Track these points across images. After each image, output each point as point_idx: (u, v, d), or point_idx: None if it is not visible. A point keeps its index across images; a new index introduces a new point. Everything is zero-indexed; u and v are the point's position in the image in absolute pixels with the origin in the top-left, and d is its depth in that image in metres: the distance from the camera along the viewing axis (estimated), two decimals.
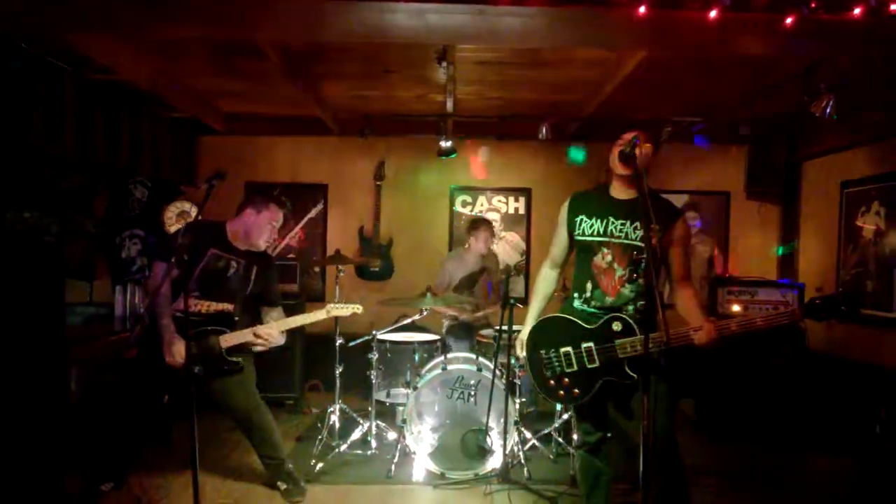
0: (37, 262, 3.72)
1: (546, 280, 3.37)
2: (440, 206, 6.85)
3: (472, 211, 6.80)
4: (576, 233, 3.10)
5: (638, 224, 2.96)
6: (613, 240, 3.00)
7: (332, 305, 4.06)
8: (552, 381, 3.08)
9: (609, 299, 3.01)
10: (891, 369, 4.91)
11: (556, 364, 3.06)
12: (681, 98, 5.45)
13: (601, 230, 3.03)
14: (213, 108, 6.13)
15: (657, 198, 3.01)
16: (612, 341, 2.94)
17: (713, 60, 4.34)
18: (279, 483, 4.02)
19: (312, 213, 5.90)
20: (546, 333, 3.14)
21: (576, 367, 3.02)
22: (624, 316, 2.96)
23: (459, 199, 6.84)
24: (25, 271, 3.54)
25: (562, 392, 3.07)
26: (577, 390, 3.03)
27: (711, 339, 2.81)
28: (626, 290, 3.00)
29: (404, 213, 6.77)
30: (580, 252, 3.12)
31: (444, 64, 4.39)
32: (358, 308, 4.12)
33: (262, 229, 3.83)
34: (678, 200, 6.70)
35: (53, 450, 3.56)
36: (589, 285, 3.05)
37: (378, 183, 6.60)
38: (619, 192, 3.07)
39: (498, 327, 4.29)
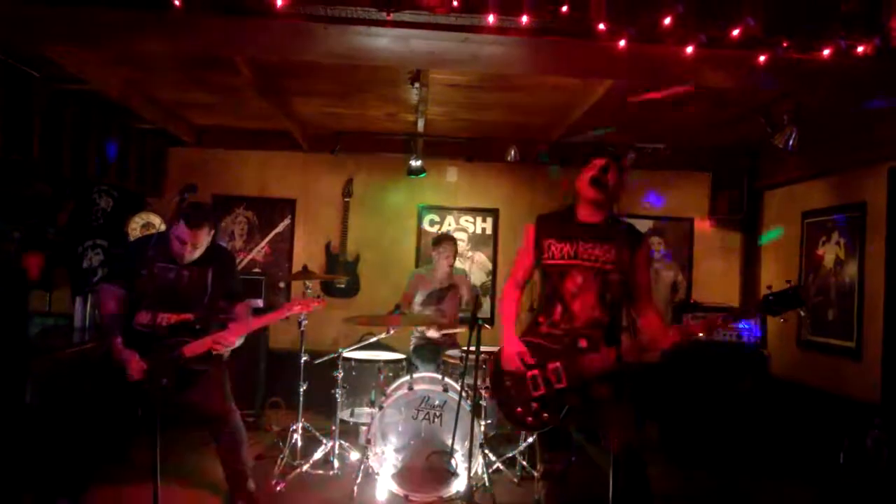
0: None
1: (514, 300, 3.32)
2: (408, 225, 6.85)
3: (439, 230, 6.80)
4: (545, 256, 3.09)
5: (608, 247, 3.01)
6: (584, 263, 3.02)
7: (291, 304, 4.05)
8: (520, 409, 3.04)
9: (578, 322, 3.02)
10: (852, 398, 5.01)
11: (524, 390, 3.03)
12: (645, 125, 5.55)
13: (571, 254, 3.04)
14: (182, 120, 6.07)
15: (622, 222, 3.12)
16: (579, 358, 2.96)
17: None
18: (239, 503, 3.95)
19: (280, 228, 5.86)
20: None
21: (544, 390, 3.00)
22: (589, 332, 2.98)
23: (427, 218, 6.85)
24: None
25: (531, 419, 3.03)
26: (546, 414, 3.00)
27: (675, 341, 2.87)
28: (596, 312, 3.02)
29: (372, 231, 6.75)
30: (549, 275, 3.11)
31: (417, 85, 4.42)
32: (319, 302, 4.14)
33: (179, 245, 3.66)
34: (642, 226, 6.77)
35: (11, 462, 3.47)
36: (559, 308, 3.05)
37: (346, 199, 6.58)
38: (586, 215, 3.11)
39: (465, 348, 4.29)
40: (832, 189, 5.62)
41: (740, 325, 2.86)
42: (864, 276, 5.08)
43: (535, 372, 3.02)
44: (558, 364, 2.99)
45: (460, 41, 3.51)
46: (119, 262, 3.81)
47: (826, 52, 3.48)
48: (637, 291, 3.10)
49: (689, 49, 3.45)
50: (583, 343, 2.97)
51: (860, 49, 3.44)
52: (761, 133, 4.66)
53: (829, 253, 5.53)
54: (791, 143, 4.50)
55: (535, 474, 4.28)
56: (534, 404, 3.01)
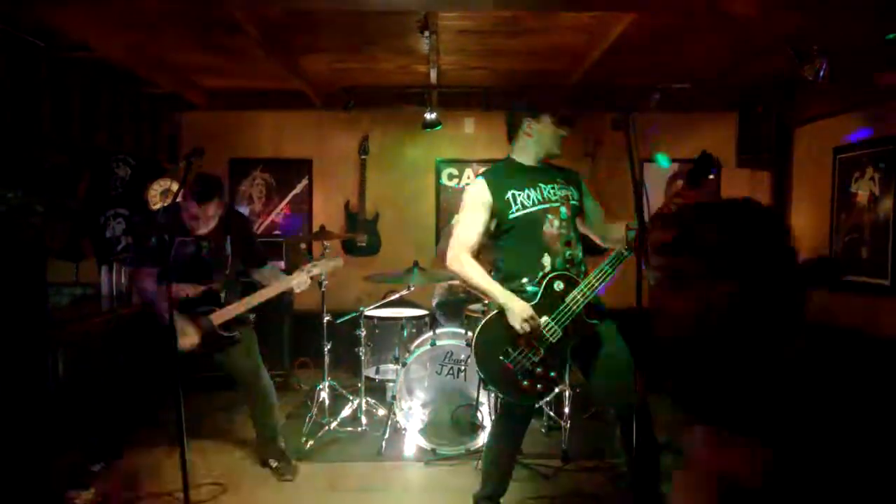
0: (19, 243, 3.67)
1: (476, 263, 3.00)
2: (426, 180, 6.75)
3: (458, 184, 6.70)
4: (513, 209, 2.94)
5: (563, 182, 3.05)
6: (553, 204, 2.96)
7: (311, 265, 4.01)
8: (526, 382, 2.88)
9: (565, 266, 2.93)
10: (886, 337, 4.88)
11: (524, 360, 2.90)
12: (668, 64, 5.34)
13: (540, 198, 2.96)
14: (193, 84, 5.99)
15: (559, 167, 3.14)
16: (563, 300, 2.87)
17: (700, 24, 4.24)
18: (270, 461, 4.03)
19: (297, 189, 5.79)
20: (495, 337, 2.92)
21: (543, 351, 2.89)
22: (560, 272, 2.90)
23: (445, 171, 6.74)
24: (8, 252, 3.48)
25: (540, 385, 2.90)
26: (553, 373, 2.91)
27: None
28: (578, 252, 2.98)
29: (390, 188, 6.68)
30: (523, 229, 2.94)
31: (427, 33, 4.28)
32: (338, 262, 4.14)
33: (193, 221, 3.70)
34: (667, 169, 6.62)
35: (37, 431, 3.53)
36: (546, 259, 2.92)
37: (363, 157, 6.49)
38: (528, 161, 3.09)
39: (487, 302, 4.24)
40: (865, 123, 5.39)
41: None
42: None
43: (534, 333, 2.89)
44: (546, 318, 2.88)
45: None
46: (144, 238, 3.82)
47: None
48: (595, 219, 3.13)
49: None
50: (558, 284, 2.89)
51: None
52: (789, 67, 4.45)
53: (863, 189, 5.33)
54: (822, 74, 4.30)
55: (563, 424, 4.27)
56: (538, 371, 2.89)
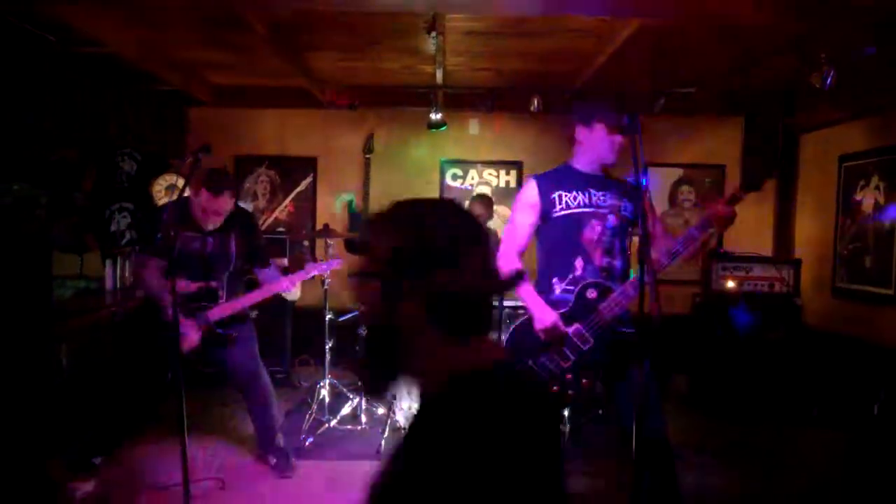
0: (24, 236, 3.69)
1: (520, 266, 3.01)
2: (430, 180, 6.74)
3: (462, 184, 6.71)
4: (557, 208, 2.96)
5: (617, 193, 2.97)
6: (600, 210, 2.93)
7: (310, 265, 4.04)
8: (556, 387, 2.85)
9: (602, 273, 2.92)
10: (889, 347, 4.87)
11: (553, 365, 2.86)
12: (674, 69, 5.34)
13: (587, 202, 2.95)
14: (200, 80, 6.01)
15: (622, 181, 3.06)
16: (596, 309, 2.84)
17: (707, 29, 4.24)
18: (269, 457, 4.04)
19: (302, 187, 5.79)
20: (526, 340, 2.90)
21: (573, 357, 2.85)
22: (595, 281, 2.87)
23: (450, 172, 6.74)
24: (13, 244, 3.51)
25: (571, 391, 2.87)
26: (585, 379, 2.87)
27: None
28: (616, 259, 2.95)
29: (394, 187, 6.65)
30: (564, 229, 2.95)
31: (433, 34, 4.28)
32: (337, 262, 4.15)
33: (202, 213, 3.71)
34: (672, 174, 6.62)
35: (40, 423, 3.55)
36: (579, 262, 2.91)
37: (367, 156, 6.49)
38: (587, 168, 3.03)
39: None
40: (871, 131, 5.38)
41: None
42: None
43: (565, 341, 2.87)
44: (578, 325, 2.84)
45: None
46: (150, 230, 3.84)
47: None
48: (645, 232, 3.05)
49: None
50: (590, 292, 2.86)
51: None
52: (796, 74, 4.45)
53: (868, 197, 5.32)
54: (828, 81, 4.30)
55: (561, 427, 4.27)
56: (568, 376, 2.85)
